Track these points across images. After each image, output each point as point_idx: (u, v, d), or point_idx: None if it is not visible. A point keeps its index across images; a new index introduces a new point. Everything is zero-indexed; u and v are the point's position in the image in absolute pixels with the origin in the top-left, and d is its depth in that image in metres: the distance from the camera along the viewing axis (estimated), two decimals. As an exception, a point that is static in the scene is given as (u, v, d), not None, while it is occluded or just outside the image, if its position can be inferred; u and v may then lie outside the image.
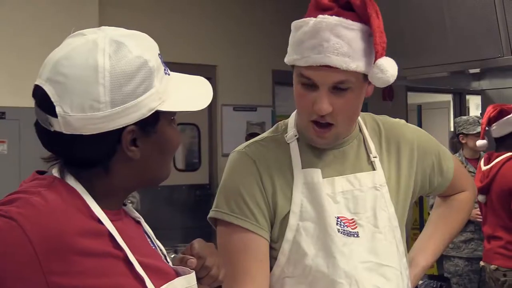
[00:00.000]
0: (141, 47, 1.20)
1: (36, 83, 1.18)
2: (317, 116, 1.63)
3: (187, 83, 1.31)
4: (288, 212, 1.67)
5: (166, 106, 1.22)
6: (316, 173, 1.69)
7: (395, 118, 1.93)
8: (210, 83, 1.37)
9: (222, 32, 7.01)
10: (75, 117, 1.14)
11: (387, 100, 7.73)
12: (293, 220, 1.67)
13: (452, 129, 8.09)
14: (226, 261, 1.70)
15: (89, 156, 1.18)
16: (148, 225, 1.37)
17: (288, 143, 1.74)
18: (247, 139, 6.51)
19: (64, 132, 1.15)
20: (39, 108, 1.18)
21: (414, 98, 8.56)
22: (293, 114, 1.79)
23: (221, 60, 7.01)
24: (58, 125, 1.15)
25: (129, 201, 4.86)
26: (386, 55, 1.62)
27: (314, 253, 1.65)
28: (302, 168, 1.70)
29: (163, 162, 1.26)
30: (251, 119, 6.74)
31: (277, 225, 1.68)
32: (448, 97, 9.41)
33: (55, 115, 1.15)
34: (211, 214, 1.70)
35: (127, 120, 1.17)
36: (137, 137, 1.19)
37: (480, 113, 6.07)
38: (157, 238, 1.36)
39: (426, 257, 1.95)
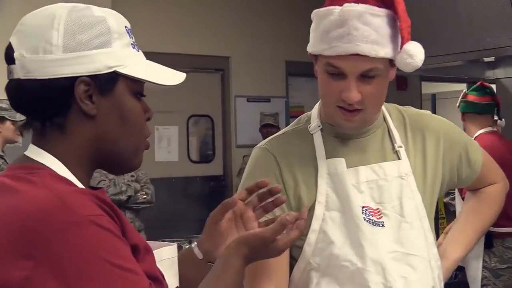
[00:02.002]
0: (105, 12, 1.25)
1: None
2: (344, 103, 1.63)
3: (159, 66, 1.32)
4: (314, 203, 1.67)
5: (127, 71, 1.23)
6: (340, 163, 1.68)
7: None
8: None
9: (235, 24, 7.01)
10: (29, 59, 1.19)
11: (401, 89, 7.70)
12: (319, 210, 1.66)
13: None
14: None
15: (44, 105, 1.20)
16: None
17: (312, 134, 1.73)
18: (261, 130, 6.56)
19: (21, 77, 1.19)
20: (6, 63, 1.23)
21: (428, 88, 8.52)
22: (316, 106, 1.78)
23: (234, 52, 7.01)
24: (16, 71, 1.20)
25: (144, 193, 4.88)
26: None
27: (341, 242, 1.65)
28: (326, 158, 1.69)
29: (124, 134, 1.25)
30: (265, 110, 6.73)
31: None
32: (463, 86, 9.35)
33: (14, 61, 1.20)
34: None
35: (79, 69, 1.19)
36: (92, 93, 1.21)
37: (495, 102, 6.03)
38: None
39: (458, 250, 1.92)
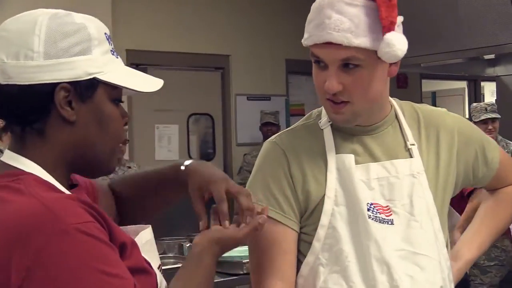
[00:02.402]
0: (86, 19, 1.27)
1: None
2: (330, 95, 1.63)
3: (139, 73, 1.34)
4: (323, 198, 1.66)
5: (106, 77, 1.25)
6: (349, 158, 1.68)
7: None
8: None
9: (235, 22, 7.00)
10: (10, 65, 1.20)
11: (402, 87, 7.70)
12: (328, 205, 1.66)
13: (467, 116, 8.06)
14: (252, 251, 1.71)
15: (23, 111, 1.21)
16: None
17: (322, 129, 1.73)
18: (261, 129, 6.56)
19: (1, 82, 1.20)
20: None
21: (429, 86, 8.54)
22: None
23: (234, 50, 7.01)
24: None
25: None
26: None
27: (349, 238, 1.64)
28: (336, 154, 1.69)
29: (101, 139, 1.27)
30: (265, 109, 6.73)
31: (310, 211, 1.67)
32: (463, 84, 9.36)
33: None
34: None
35: (59, 75, 1.21)
36: (72, 99, 1.22)
37: (495, 100, 6.02)
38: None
39: (471, 250, 1.90)
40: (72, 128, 1.23)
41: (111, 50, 1.29)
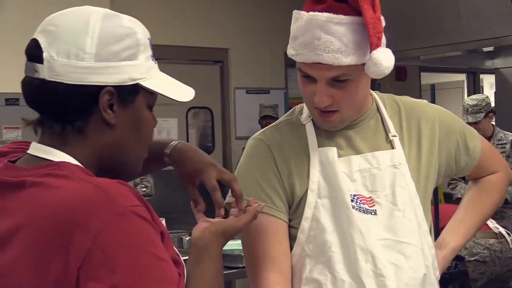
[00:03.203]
0: (133, 22, 1.28)
1: (32, 37, 1.25)
2: (319, 107, 1.65)
3: (172, 80, 1.37)
4: (306, 191, 1.69)
5: (148, 84, 1.27)
6: (331, 151, 1.70)
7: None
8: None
9: (234, 15, 7.00)
10: (60, 63, 1.20)
11: (400, 80, 7.70)
12: (311, 198, 1.69)
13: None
14: (246, 245, 1.74)
15: (66, 108, 1.22)
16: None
17: (304, 125, 1.75)
18: (260, 122, 6.55)
19: (47, 78, 1.20)
20: (29, 60, 1.23)
21: (428, 78, 8.52)
22: None
23: (233, 43, 7.00)
24: (42, 71, 1.21)
25: (143, 186, 4.88)
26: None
27: (332, 229, 1.67)
28: (319, 147, 1.71)
29: (136, 145, 1.30)
30: (264, 102, 6.73)
31: (296, 205, 1.71)
32: (462, 77, 9.35)
33: (41, 61, 1.21)
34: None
35: (107, 78, 1.21)
36: (114, 102, 1.23)
37: (494, 92, 6.02)
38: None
39: (456, 238, 1.92)
40: (110, 130, 1.25)
41: (151, 56, 1.30)
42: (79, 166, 1.21)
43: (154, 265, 1.13)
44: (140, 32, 1.27)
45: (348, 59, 1.58)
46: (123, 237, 1.12)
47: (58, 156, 1.22)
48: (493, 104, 5.43)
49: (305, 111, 1.77)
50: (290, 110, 1.84)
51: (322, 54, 1.58)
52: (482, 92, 8.81)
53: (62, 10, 1.26)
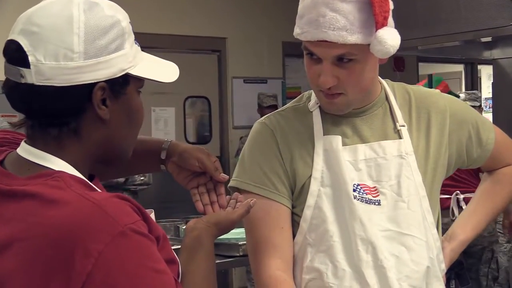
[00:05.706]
0: (113, 9, 1.22)
1: (8, 38, 1.18)
2: (324, 88, 1.64)
3: (155, 59, 1.33)
4: (309, 178, 1.69)
5: (136, 71, 1.23)
6: (336, 140, 1.69)
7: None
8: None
9: (231, 4, 6.98)
10: (48, 66, 1.15)
11: (398, 70, 7.69)
12: (314, 186, 1.68)
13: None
14: (248, 231, 1.74)
15: (59, 111, 1.17)
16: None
17: (311, 111, 1.74)
18: (263, 112, 6.53)
19: (36, 83, 1.15)
20: (10, 63, 1.17)
21: (426, 69, 8.53)
22: None
23: (231, 32, 6.98)
24: (30, 76, 1.15)
25: (141, 175, 4.88)
26: (396, 26, 1.61)
27: (333, 219, 1.66)
28: (324, 135, 1.71)
29: (129, 133, 1.28)
30: (262, 91, 6.72)
31: (298, 191, 1.70)
32: (460, 67, 9.35)
33: (27, 65, 1.15)
34: (231, 183, 1.74)
35: (98, 75, 1.17)
36: (106, 97, 1.20)
37: (492, 83, 6.02)
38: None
39: (466, 231, 1.89)
40: (104, 125, 1.22)
41: (134, 40, 1.26)
42: (75, 176, 1.18)
43: (154, 279, 1.12)
44: (122, 19, 1.22)
45: (353, 38, 1.56)
46: (123, 256, 1.10)
47: (52, 162, 1.19)
48: (490, 95, 5.43)
49: (313, 98, 1.75)
50: (298, 97, 1.82)
51: (327, 32, 1.56)
52: (480, 83, 8.83)
53: (37, 6, 1.20)
